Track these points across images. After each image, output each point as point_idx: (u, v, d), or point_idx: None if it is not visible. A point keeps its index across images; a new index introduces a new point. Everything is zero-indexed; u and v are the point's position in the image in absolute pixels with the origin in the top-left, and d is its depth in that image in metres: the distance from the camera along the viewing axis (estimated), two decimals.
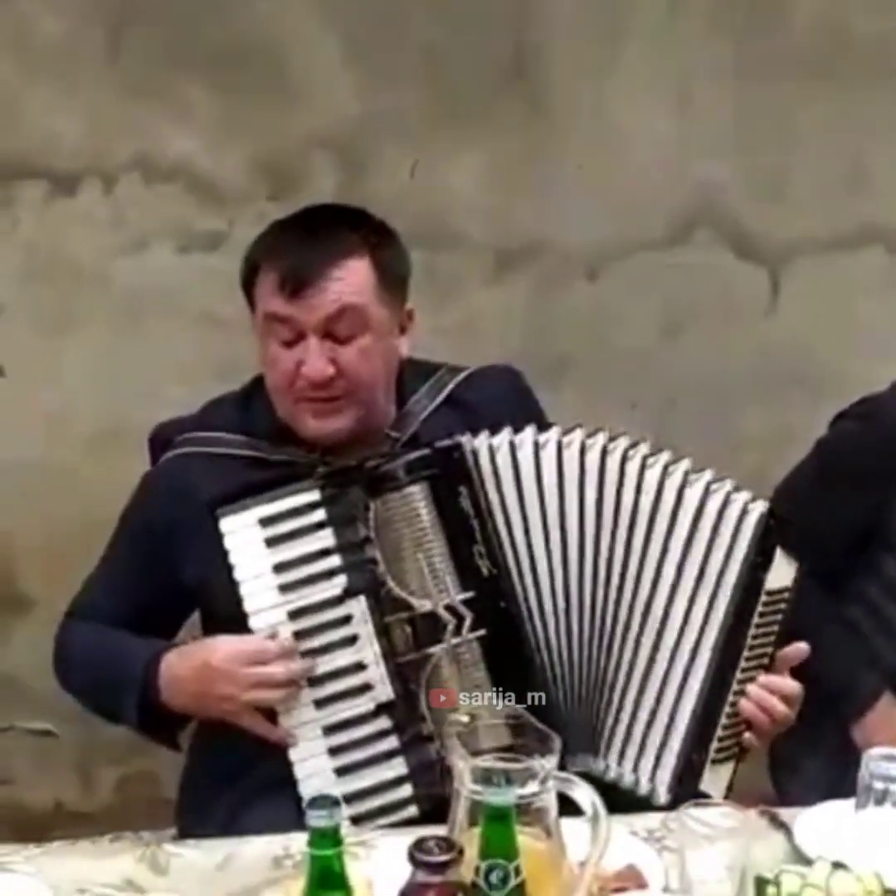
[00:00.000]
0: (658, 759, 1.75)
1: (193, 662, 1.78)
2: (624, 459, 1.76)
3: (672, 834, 1.54)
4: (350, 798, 1.73)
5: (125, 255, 2.60)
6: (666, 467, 1.76)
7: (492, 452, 1.77)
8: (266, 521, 1.77)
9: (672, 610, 1.76)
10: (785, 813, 1.68)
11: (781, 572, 1.80)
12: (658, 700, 1.75)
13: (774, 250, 2.71)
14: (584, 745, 1.76)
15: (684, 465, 1.77)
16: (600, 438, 1.78)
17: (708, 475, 1.77)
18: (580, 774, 1.67)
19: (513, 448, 1.77)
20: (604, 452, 1.77)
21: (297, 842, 1.61)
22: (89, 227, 2.59)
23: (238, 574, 1.77)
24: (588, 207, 2.64)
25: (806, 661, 2.08)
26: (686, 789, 1.71)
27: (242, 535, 1.77)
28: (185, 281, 2.59)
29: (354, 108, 2.57)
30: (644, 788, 1.75)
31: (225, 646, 1.76)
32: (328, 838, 1.16)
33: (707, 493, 1.76)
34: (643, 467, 1.76)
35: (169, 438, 1.95)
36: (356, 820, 1.73)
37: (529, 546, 1.76)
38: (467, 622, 1.73)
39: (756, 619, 1.77)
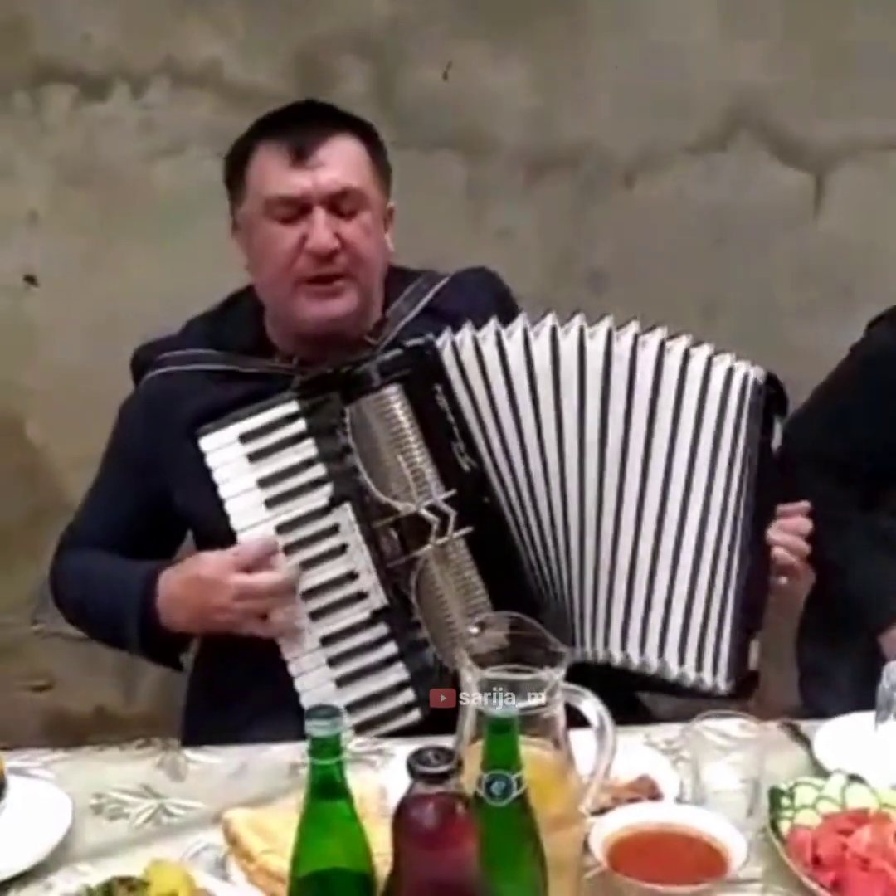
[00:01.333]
0: (713, 645, 1.72)
1: (186, 577, 1.78)
2: (609, 339, 1.74)
3: (689, 744, 1.52)
4: (352, 707, 1.74)
5: (156, 160, 2.58)
6: (662, 344, 1.74)
7: (456, 347, 1.74)
8: (246, 437, 1.76)
9: (691, 492, 1.73)
10: (806, 726, 1.66)
11: (778, 431, 1.77)
12: (693, 583, 1.73)
13: (818, 155, 2.64)
14: (594, 636, 1.75)
15: (680, 341, 1.75)
16: (576, 321, 1.75)
17: (707, 349, 1.75)
18: (598, 665, 1.73)
19: (476, 342, 1.74)
20: (581, 334, 1.74)
21: None
22: (120, 133, 2.57)
23: (223, 492, 1.76)
24: (626, 111, 2.58)
25: (838, 572, 2.07)
26: (741, 671, 1.71)
27: (224, 452, 1.76)
28: (218, 185, 2.55)
29: (387, 9, 2.52)
30: (707, 682, 1.72)
31: (210, 557, 1.76)
32: (329, 747, 1.15)
33: (709, 365, 1.74)
34: (634, 346, 1.74)
35: (148, 361, 1.93)
36: (360, 728, 1.73)
37: (504, 438, 1.74)
38: (451, 520, 1.72)
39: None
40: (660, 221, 2.64)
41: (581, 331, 1.74)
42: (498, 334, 1.74)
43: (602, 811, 1.44)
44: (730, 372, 1.74)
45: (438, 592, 1.74)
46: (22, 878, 1.42)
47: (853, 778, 1.47)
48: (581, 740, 1.33)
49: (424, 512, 1.72)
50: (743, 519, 1.72)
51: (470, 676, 1.28)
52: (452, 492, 1.73)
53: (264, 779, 1.59)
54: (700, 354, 1.75)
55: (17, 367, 2.66)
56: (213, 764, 1.63)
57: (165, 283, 2.54)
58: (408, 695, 1.75)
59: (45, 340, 2.65)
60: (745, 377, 1.74)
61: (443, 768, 1.10)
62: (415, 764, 1.11)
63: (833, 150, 2.64)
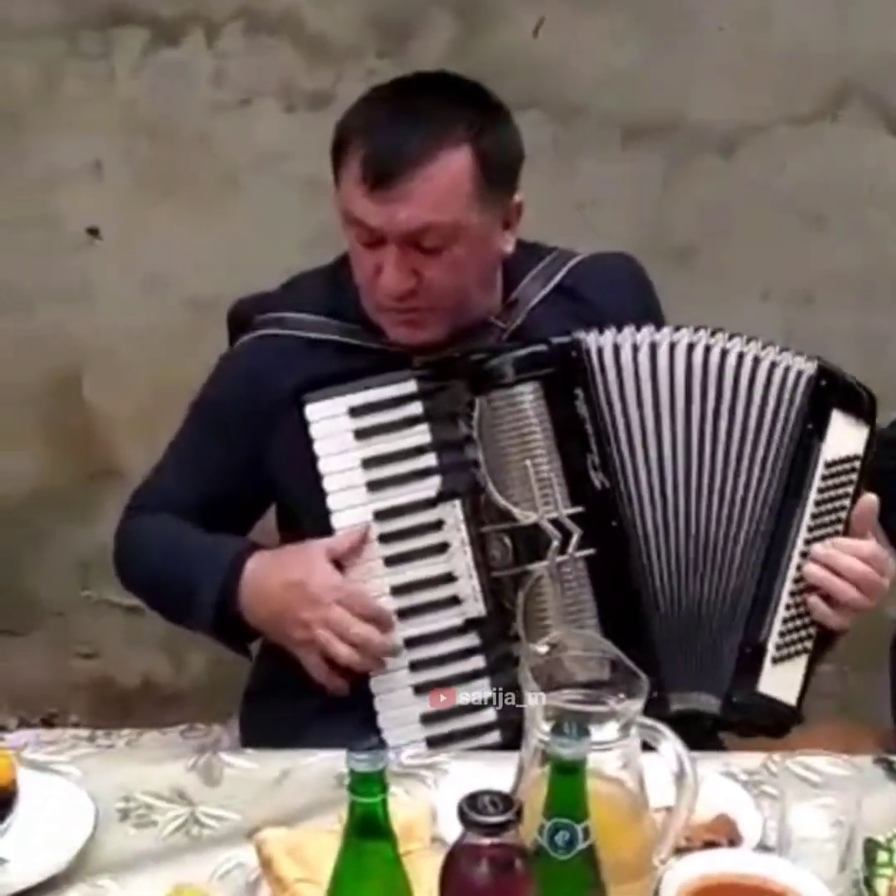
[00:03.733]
0: (712, 663, 1.60)
1: (288, 576, 1.62)
2: (722, 357, 1.61)
3: (773, 779, 1.38)
4: (428, 718, 1.61)
5: (228, 112, 2.45)
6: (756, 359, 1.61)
7: (616, 352, 1.59)
8: (356, 411, 1.62)
9: (746, 506, 1.61)
10: None
11: (846, 438, 1.63)
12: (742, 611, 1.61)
13: None
14: (689, 682, 1.60)
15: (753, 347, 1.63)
16: (720, 339, 1.61)
17: (755, 346, 1.63)
18: (686, 712, 1.58)
19: (636, 349, 1.59)
20: (723, 352, 1.61)
21: None
22: (191, 81, 2.44)
23: (322, 466, 1.62)
24: (726, 76, 2.41)
25: None
26: (741, 692, 1.58)
27: (330, 424, 1.62)
28: (290, 142, 2.43)
29: None
30: (695, 702, 1.59)
31: (326, 570, 1.60)
32: (372, 783, 1.02)
33: (756, 364, 1.62)
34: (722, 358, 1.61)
35: (248, 317, 1.78)
36: (433, 742, 1.60)
37: (648, 460, 1.59)
38: (574, 539, 1.57)
39: (815, 495, 1.61)
40: (758, 193, 2.48)
41: (707, 348, 1.62)
42: (653, 344, 1.60)
43: (677, 851, 1.30)
44: (771, 369, 1.61)
45: (545, 613, 1.58)
46: (34, 891, 1.30)
47: None
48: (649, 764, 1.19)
49: (546, 524, 1.57)
50: (765, 524, 1.59)
51: (534, 701, 1.15)
52: (580, 508, 1.58)
53: (306, 790, 1.46)
54: (749, 353, 1.62)
55: (77, 323, 2.56)
56: (251, 769, 1.50)
57: (226, 245, 2.43)
58: (489, 714, 1.60)
59: (105, 296, 2.54)
60: (786, 371, 1.61)
61: (500, 819, 0.97)
62: (468, 811, 0.98)
63: None
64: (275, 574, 1.64)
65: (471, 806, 0.98)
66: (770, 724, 1.61)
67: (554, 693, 1.16)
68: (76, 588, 2.71)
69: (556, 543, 1.56)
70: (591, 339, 1.60)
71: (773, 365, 1.63)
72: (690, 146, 2.46)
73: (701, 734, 1.63)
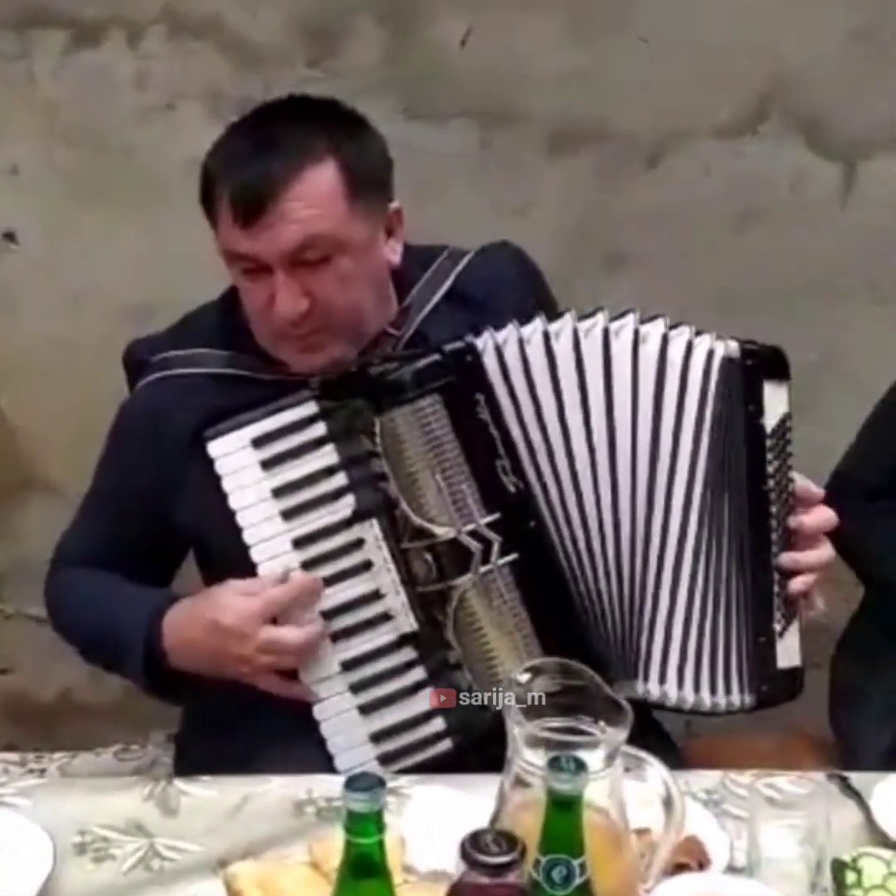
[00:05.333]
0: (723, 662, 1.61)
1: (202, 623, 1.59)
2: (636, 340, 1.59)
3: (734, 798, 1.38)
4: (378, 736, 1.60)
5: (152, 117, 2.39)
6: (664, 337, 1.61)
7: (513, 349, 1.58)
8: (259, 441, 1.59)
9: (692, 494, 1.61)
10: (856, 779, 1.52)
11: (777, 401, 1.64)
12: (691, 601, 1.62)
13: (852, 142, 2.48)
14: (626, 670, 1.61)
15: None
16: (630, 320, 1.59)
17: (661, 327, 1.62)
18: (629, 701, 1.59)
19: (523, 343, 1.58)
20: (606, 334, 1.59)
21: (322, 785, 1.48)
22: (112, 85, 2.38)
23: (233, 502, 1.59)
24: (652, 86, 2.41)
25: (880, 587, 1.94)
26: (766, 677, 1.60)
27: (235, 458, 1.59)
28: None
29: None
30: (721, 703, 1.61)
31: (237, 603, 1.58)
32: (369, 823, 1.00)
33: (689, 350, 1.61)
34: (636, 343, 1.60)
35: (143, 359, 1.75)
36: (385, 760, 1.59)
37: (551, 453, 1.58)
38: (495, 547, 1.56)
39: (769, 469, 1.62)
40: (683, 204, 2.49)
41: (635, 333, 1.59)
42: (545, 334, 1.58)
43: None
44: (688, 350, 1.60)
45: (478, 624, 1.58)
46: None
47: None
48: None
49: (465, 538, 1.56)
50: (724, 512, 1.60)
51: (517, 730, 1.14)
52: (496, 515, 1.57)
53: (267, 819, 1.44)
54: (654, 336, 1.61)
55: None
56: (208, 797, 1.48)
57: (151, 254, 2.38)
58: (438, 723, 1.60)
59: (23, 307, 2.47)
60: (710, 354, 1.60)
61: (505, 859, 0.95)
62: (471, 851, 0.96)
63: (869, 139, 2.49)
64: (190, 624, 1.61)
65: (474, 845, 0.96)
66: (790, 693, 1.64)
67: (536, 721, 1.15)
68: None
69: (477, 555, 1.56)
70: (484, 340, 1.58)
71: (690, 345, 1.61)
72: (616, 155, 2.47)
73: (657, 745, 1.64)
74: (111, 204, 2.40)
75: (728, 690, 1.62)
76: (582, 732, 1.15)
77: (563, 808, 1.02)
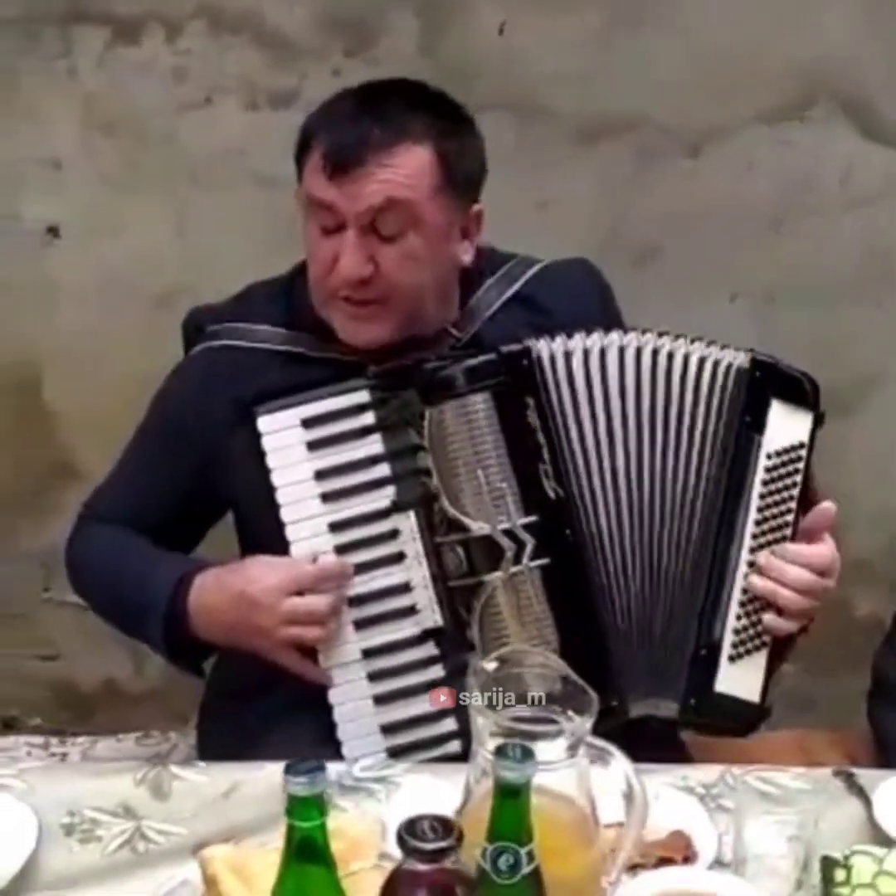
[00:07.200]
0: (671, 667, 1.59)
1: (229, 592, 1.61)
2: (670, 360, 1.61)
3: (732, 792, 1.36)
4: (389, 729, 1.60)
5: (190, 110, 2.41)
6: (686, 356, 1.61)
7: (567, 359, 1.58)
8: (309, 423, 1.61)
9: (696, 510, 1.60)
10: (865, 776, 1.48)
11: (789, 427, 1.62)
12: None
13: None
14: (649, 688, 1.59)
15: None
16: (682, 344, 1.60)
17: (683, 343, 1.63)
18: (648, 719, 1.58)
19: (587, 355, 1.58)
20: (654, 354, 1.61)
21: None
22: (151, 80, 2.41)
23: (276, 479, 1.61)
24: (691, 75, 2.38)
25: None
26: (697, 694, 1.57)
27: (282, 436, 1.61)
28: (252, 140, 2.41)
29: None
30: (655, 708, 1.58)
31: (265, 575, 1.60)
32: (310, 807, 1.00)
33: (686, 364, 1.62)
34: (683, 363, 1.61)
35: (202, 326, 1.77)
36: (394, 753, 1.59)
37: (601, 467, 1.58)
38: (528, 549, 1.55)
39: (760, 488, 1.60)
40: (724, 195, 2.46)
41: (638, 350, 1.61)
42: (602, 350, 1.59)
43: (630, 868, 1.29)
44: (701, 363, 1.60)
45: (502, 624, 1.57)
46: None
47: None
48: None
49: (499, 535, 1.56)
50: (710, 523, 1.59)
51: (481, 720, 1.13)
52: (533, 518, 1.56)
53: (254, 803, 1.44)
54: (679, 351, 1.62)
55: (36, 324, 2.53)
56: (199, 783, 1.48)
57: (189, 245, 2.41)
58: (450, 723, 1.60)
59: (64, 296, 2.51)
60: (716, 365, 1.61)
61: (439, 845, 0.95)
62: (407, 837, 0.96)
63: None
64: (217, 592, 1.63)
65: (409, 832, 0.96)
66: (733, 724, 1.61)
67: (502, 711, 1.14)
68: (37, 589, 2.68)
69: (509, 554, 1.55)
70: (541, 346, 1.59)
71: (703, 360, 1.62)
72: (654, 147, 2.45)
73: (662, 739, 1.62)
74: (149, 196, 2.44)
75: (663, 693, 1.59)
76: (549, 722, 1.14)
77: (510, 796, 1.01)
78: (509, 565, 1.55)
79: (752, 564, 1.59)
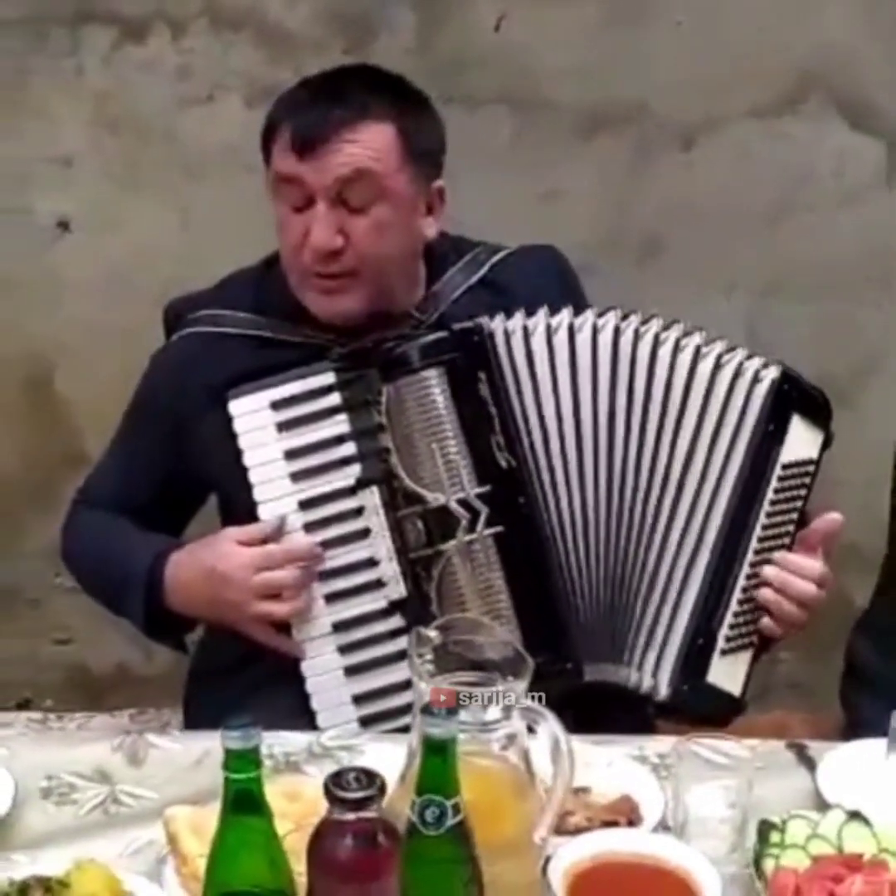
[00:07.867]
0: (662, 650, 1.63)
1: (202, 566, 1.68)
2: (636, 338, 1.64)
3: (679, 760, 1.40)
4: (360, 699, 1.65)
5: (193, 107, 2.47)
6: (677, 343, 1.64)
7: (507, 336, 1.64)
8: (278, 405, 1.66)
9: (683, 494, 1.64)
10: (815, 748, 1.53)
11: (803, 442, 1.66)
12: (665, 590, 1.64)
13: None
14: (605, 653, 1.64)
15: (696, 338, 1.65)
16: (633, 321, 1.64)
17: (720, 346, 1.66)
18: (600, 683, 1.62)
19: (527, 332, 1.64)
20: (616, 333, 1.64)
21: (284, 742, 1.53)
22: (157, 77, 2.47)
23: (247, 460, 1.67)
24: (686, 68, 2.42)
25: None
26: (690, 681, 1.61)
27: (253, 418, 1.67)
28: (253, 135, 2.46)
29: None
30: (646, 685, 1.63)
31: (233, 551, 1.65)
32: (245, 760, 1.05)
33: (718, 365, 1.64)
34: (655, 345, 1.64)
35: (181, 315, 1.83)
36: (365, 722, 1.64)
37: (546, 437, 1.63)
38: (482, 518, 1.60)
39: (771, 495, 1.64)
40: (720, 188, 2.49)
41: (616, 329, 1.64)
42: (548, 326, 1.64)
43: (577, 831, 1.33)
44: (737, 371, 1.64)
45: (460, 591, 1.62)
46: None
47: (854, 815, 1.33)
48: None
49: (454, 505, 1.61)
50: (720, 521, 1.63)
51: (423, 685, 1.18)
52: (486, 488, 1.61)
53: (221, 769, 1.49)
54: (711, 353, 1.65)
55: (47, 317, 2.59)
56: (174, 750, 1.54)
57: (192, 238, 2.46)
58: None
59: (74, 289, 2.57)
60: (741, 371, 1.64)
61: (361, 794, 0.99)
62: (332, 787, 1.00)
63: None
64: (190, 569, 1.69)
65: (335, 783, 1.01)
66: (715, 714, 1.64)
67: (442, 676, 1.18)
68: (50, 575, 2.74)
69: (464, 522, 1.60)
70: (496, 323, 1.64)
71: (740, 366, 1.65)
72: (650, 139, 2.48)
73: (634, 715, 1.67)
74: (155, 191, 2.50)
75: (655, 674, 1.64)
76: (487, 686, 1.18)
77: (435, 752, 1.06)
78: (464, 534, 1.60)
79: (753, 565, 1.63)
